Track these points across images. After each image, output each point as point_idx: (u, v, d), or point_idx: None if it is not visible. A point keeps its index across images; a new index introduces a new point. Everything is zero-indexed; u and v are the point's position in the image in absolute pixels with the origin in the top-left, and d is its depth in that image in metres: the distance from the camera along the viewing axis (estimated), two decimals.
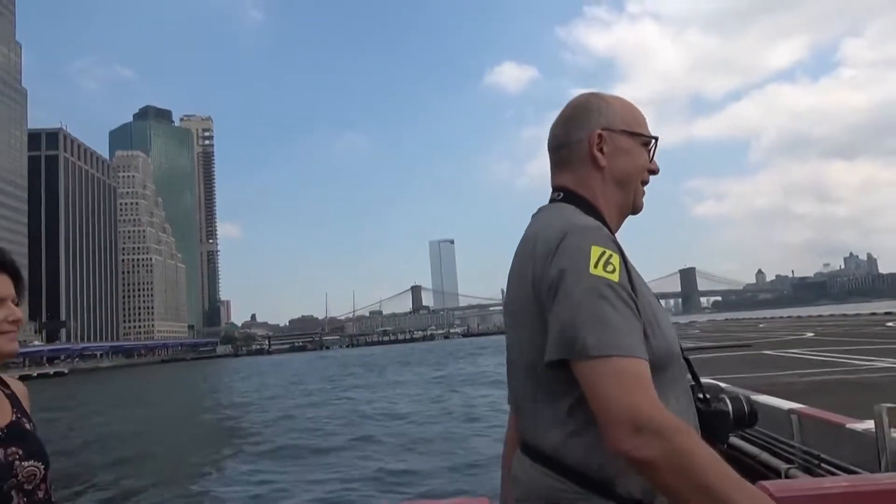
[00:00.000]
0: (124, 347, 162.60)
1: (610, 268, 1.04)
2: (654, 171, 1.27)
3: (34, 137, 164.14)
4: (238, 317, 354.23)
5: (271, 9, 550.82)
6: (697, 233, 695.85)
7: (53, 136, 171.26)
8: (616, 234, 1.21)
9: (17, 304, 1.32)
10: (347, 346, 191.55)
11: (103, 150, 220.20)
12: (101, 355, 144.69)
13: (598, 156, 1.21)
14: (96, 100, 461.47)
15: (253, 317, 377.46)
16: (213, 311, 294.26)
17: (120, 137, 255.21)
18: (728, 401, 1.19)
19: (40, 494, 1.28)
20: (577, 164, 1.23)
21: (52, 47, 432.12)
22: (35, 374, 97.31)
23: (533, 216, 1.23)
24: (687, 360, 1.19)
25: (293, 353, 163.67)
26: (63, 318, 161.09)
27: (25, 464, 1.25)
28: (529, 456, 1.11)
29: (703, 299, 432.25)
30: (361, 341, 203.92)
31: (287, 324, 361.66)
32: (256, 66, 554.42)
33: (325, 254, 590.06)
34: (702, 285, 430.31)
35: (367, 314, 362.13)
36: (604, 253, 1.05)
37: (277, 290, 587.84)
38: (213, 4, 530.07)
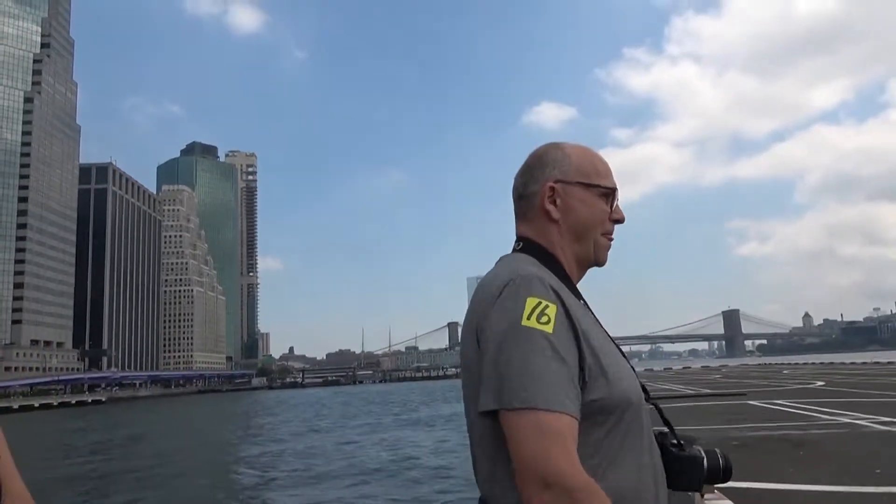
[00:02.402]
0: (162, 377, 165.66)
1: (544, 319, 1.02)
2: (619, 221, 1.25)
3: (85, 171, 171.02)
4: (276, 349, 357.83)
5: (314, 49, 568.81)
6: (741, 274, 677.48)
7: (103, 171, 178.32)
8: (578, 285, 1.21)
9: None
10: (380, 382, 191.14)
11: (151, 184, 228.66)
12: (140, 384, 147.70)
13: (551, 209, 1.20)
14: (146, 135, 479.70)
15: (291, 349, 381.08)
16: (251, 343, 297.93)
17: (167, 172, 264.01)
18: (703, 452, 1.17)
19: None
20: (533, 215, 1.23)
21: (105, 85, 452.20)
22: (73, 402, 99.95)
23: (495, 264, 1.22)
24: (657, 408, 1.18)
25: (326, 387, 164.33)
26: (105, 346, 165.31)
27: None
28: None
29: (747, 342, 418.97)
30: (394, 377, 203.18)
31: (324, 357, 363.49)
32: (299, 103, 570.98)
33: (363, 289, 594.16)
34: (746, 328, 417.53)
35: (403, 349, 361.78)
36: (539, 304, 1.04)
37: (316, 324, 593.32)
38: (258, 44, 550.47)
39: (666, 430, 1.18)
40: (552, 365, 1.00)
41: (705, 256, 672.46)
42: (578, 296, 1.17)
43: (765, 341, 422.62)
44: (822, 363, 47.29)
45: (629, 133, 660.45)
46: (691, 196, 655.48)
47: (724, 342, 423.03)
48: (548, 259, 1.18)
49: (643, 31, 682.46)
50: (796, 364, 50.24)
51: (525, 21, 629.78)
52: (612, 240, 1.25)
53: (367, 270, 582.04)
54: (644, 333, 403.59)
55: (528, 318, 1.02)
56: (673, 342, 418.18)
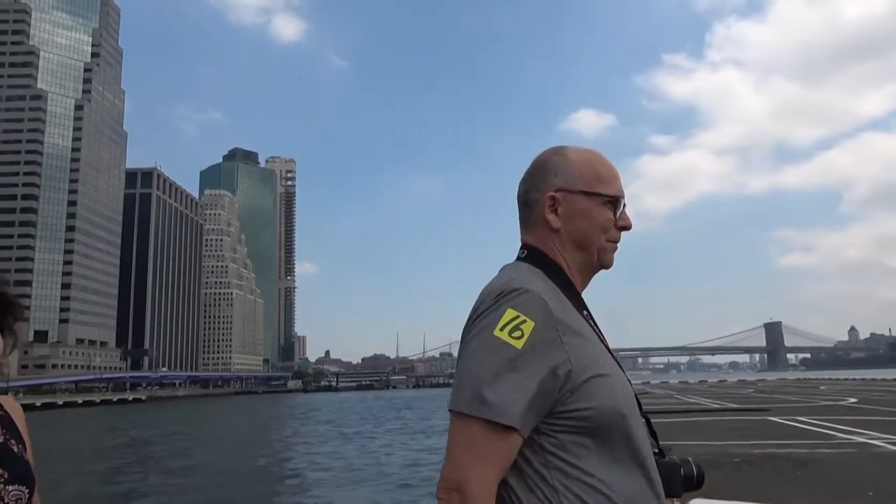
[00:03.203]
0: (200, 378, 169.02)
1: (517, 333, 1.03)
2: (625, 228, 1.22)
3: (131, 176, 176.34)
4: (313, 353, 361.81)
5: (353, 57, 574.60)
6: (784, 285, 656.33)
7: (148, 175, 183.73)
8: (583, 292, 1.21)
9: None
10: (414, 387, 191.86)
11: (194, 189, 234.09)
12: (179, 384, 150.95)
13: (552, 218, 1.19)
14: (190, 141, 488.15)
15: (327, 353, 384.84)
16: (288, 345, 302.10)
17: (210, 177, 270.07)
18: (678, 460, 1.20)
19: None
20: (535, 224, 1.22)
21: (151, 93, 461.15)
22: (115, 400, 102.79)
23: (498, 272, 1.22)
24: (647, 420, 1.17)
25: (359, 392, 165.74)
26: (146, 346, 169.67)
27: (10, 487, 1.26)
28: None
29: (790, 356, 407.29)
30: (427, 382, 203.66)
31: (360, 361, 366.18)
32: (338, 110, 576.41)
33: (399, 294, 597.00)
34: (789, 341, 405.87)
35: (438, 355, 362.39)
36: (517, 317, 1.03)
37: (352, 328, 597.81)
38: (299, 53, 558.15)
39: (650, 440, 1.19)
40: (508, 379, 1.01)
41: (747, 267, 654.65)
42: (581, 306, 1.17)
43: (808, 355, 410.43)
44: (863, 379, 45.88)
45: (669, 140, 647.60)
46: (733, 205, 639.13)
47: (766, 355, 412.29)
48: (551, 267, 1.18)
49: (684, 37, 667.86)
50: (836, 379, 48.80)
51: (563, 28, 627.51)
52: (615, 241, 1.23)
53: (403, 276, 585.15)
54: (683, 344, 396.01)
55: (501, 330, 1.03)
56: (713, 354, 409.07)
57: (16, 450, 1.34)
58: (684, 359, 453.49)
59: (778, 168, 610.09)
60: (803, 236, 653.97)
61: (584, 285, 1.23)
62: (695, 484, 1.19)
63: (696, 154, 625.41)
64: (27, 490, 1.30)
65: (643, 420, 1.14)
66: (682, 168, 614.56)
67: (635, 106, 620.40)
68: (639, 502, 1.05)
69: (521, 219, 1.26)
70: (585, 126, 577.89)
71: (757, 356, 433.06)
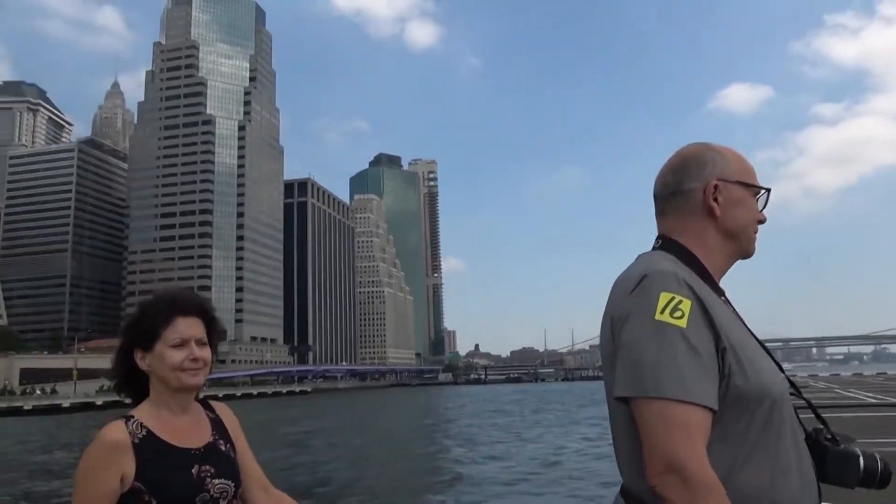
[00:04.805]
0: (358, 371, 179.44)
1: (678, 314, 1.06)
2: (762, 221, 1.28)
3: (288, 187, 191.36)
4: (462, 346, 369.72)
5: (488, 54, 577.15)
6: None
7: (303, 185, 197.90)
8: (722, 278, 1.26)
9: (204, 345, 1.47)
10: (563, 380, 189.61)
11: (344, 195, 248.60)
12: (340, 377, 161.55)
13: (714, 206, 1.23)
14: (338, 150, 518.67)
15: (476, 347, 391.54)
16: (438, 340, 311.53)
17: (358, 182, 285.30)
18: (860, 451, 1.16)
19: None
20: (688, 212, 1.25)
21: (301, 108, 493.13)
22: (284, 392, 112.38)
23: (634, 260, 1.26)
24: (809, 403, 1.19)
25: (508, 384, 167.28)
26: (310, 342, 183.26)
27: (216, 481, 1.40)
28: (621, 491, 1.16)
29: None
30: (576, 375, 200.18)
31: (508, 354, 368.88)
32: (475, 108, 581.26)
33: (545, 287, 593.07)
34: None
35: (588, 348, 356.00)
36: (672, 298, 1.08)
37: (500, 322, 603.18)
38: (434, 56, 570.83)
39: (821, 426, 1.20)
40: (684, 357, 1.04)
41: None
42: (720, 292, 1.21)
43: None
44: None
45: (837, 108, 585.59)
46: None
47: None
48: (687, 257, 1.21)
49: None
50: None
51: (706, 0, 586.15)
52: (755, 232, 1.29)
53: (548, 269, 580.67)
54: (865, 333, 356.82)
55: (662, 313, 1.07)
56: None
57: (223, 448, 1.48)
58: (868, 348, 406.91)
59: None
60: None
61: (725, 272, 1.27)
62: (878, 481, 1.14)
63: (871, 121, 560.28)
64: (233, 484, 1.44)
65: (794, 407, 1.15)
66: (855, 138, 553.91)
67: (794, 75, 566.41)
68: (765, 494, 1.06)
69: (666, 208, 1.29)
70: (737, 102, 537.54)
71: None
